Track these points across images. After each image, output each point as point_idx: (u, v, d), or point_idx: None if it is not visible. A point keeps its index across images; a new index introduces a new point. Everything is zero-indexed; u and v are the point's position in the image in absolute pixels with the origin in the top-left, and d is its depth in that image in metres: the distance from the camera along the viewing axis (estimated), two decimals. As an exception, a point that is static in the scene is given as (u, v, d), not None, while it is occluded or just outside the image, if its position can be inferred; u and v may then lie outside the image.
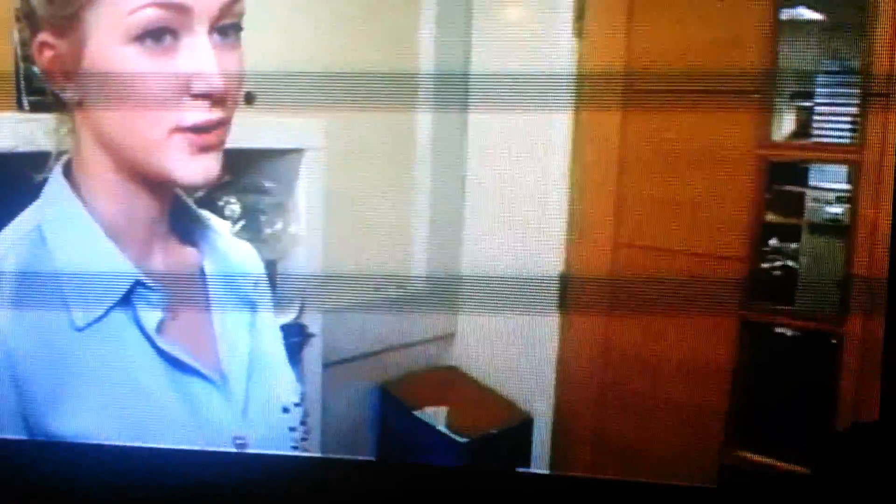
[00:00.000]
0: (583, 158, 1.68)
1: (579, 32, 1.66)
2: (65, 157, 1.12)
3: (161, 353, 1.09)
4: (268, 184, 1.61)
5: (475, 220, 1.83)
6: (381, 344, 1.78)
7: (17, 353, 1.07)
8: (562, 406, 1.71)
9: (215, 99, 1.04)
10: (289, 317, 1.59)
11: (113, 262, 1.08)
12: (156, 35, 1.01)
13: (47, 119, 1.36)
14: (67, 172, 1.11)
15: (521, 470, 1.73)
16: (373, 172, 1.74)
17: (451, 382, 1.88)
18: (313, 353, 1.69)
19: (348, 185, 1.68)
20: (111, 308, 1.07)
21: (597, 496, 1.41)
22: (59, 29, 1.05)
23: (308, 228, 1.64)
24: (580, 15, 1.66)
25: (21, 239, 1.09)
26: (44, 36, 1.06)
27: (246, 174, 1.60)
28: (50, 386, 1.08)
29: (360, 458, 1.62)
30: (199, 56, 1.03)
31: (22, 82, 1.45)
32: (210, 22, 1.03)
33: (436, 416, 1.80)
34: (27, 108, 1.45)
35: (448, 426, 1.79)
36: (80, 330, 1.07)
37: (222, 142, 1.08)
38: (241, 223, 1.53)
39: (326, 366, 1.69)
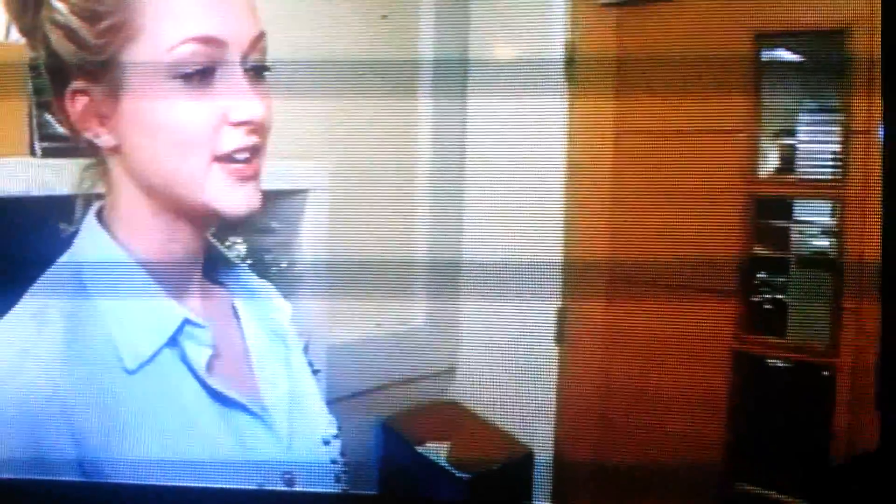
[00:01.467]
0: (575, 197, 1.72)
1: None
2: (97, 204, 1.12)
3: (210, 391, 1.09)
4: (273, 224, 1.65)
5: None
6: (383, 379, 1.80)
7: (71, 401, 1.06)
8: (562, 440, 1.73)
9: (253, 126, 1.04)
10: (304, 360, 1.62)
11: (160, 302, 1.09)
12: (194, 70, 1.02)
13: (61, 164, 1.42)
14: (100, 218, 1.12)
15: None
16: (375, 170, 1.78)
17: (452, 418, 1.90)
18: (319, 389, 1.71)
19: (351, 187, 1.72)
20: (161, 348, 1.07)
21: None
22: (92, 75, 1.05)
23: (313, 265, 1.68)
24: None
25: (62, 287, 1.10)
26: (77, 84, 1.06)
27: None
28: (104, 430, 1.07)
29: (361, 492, 1.64)
30: (235, 86, 1.04)
31: (35, 129, 1.49)
32: (242, 56, 1.05)
33: (438, 451, 1.82)
34: (39, 153, 1.49)
35: (450, 462, 1.80)
36: (131, 373, 1.07)
37: (259, 172, 1.08)
38: (248, 262, 1.54)
39: (330, 402, 1.71)
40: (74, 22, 1.03)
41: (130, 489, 1.13)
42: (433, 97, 1.82)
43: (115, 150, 1.07)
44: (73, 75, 1.05)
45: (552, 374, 1.77)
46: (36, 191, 1.41)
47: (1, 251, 1.40)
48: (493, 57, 1.70)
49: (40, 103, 1.48)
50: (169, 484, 1.15)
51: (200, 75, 1.02)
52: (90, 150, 1.11)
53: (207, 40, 1.03)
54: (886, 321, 1.41)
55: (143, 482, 1.13)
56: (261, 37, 1.08)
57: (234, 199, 1.05)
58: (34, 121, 1.49)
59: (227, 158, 1.04)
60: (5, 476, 1.15)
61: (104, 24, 1.02)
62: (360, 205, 1.69)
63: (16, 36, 1.51)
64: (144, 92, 1.04)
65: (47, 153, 1.48)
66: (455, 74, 1.73)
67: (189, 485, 1.16)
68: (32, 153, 1.49)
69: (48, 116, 1.48)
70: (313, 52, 1.50)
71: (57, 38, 1.05)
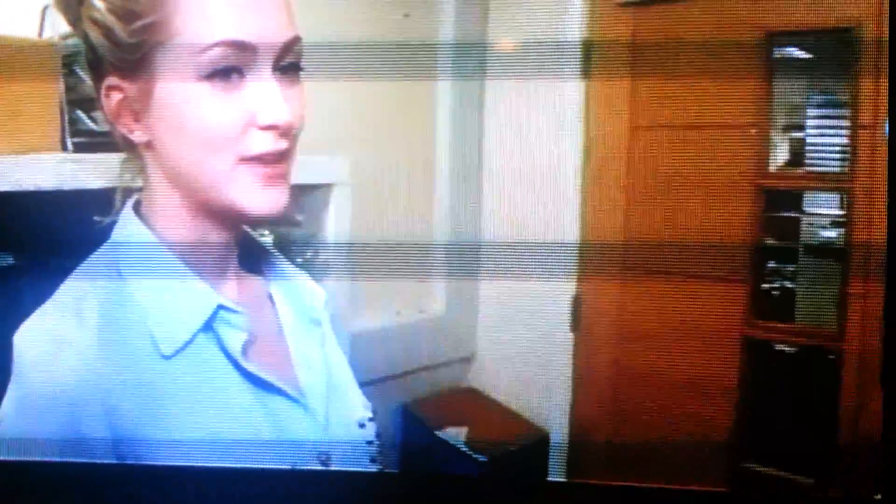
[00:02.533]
0: (590, 186, 1.76)
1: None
2: (134, 197, 1.16)
3: (246, 375, 1.11)
4: (299, 216, 1.70)
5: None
6: (403, 366, 1.85)
7: (109, 388, 1.09)
8: (577, 423, 1.78)
9: (281, 130, 1.07)
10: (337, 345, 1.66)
11: (194, 288, 1.11)
12: (224, 73, 1.05)
13: (92, 159, 1.46)
14: (137, 211, 1.15)
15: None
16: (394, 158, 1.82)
17: (470, 403, 1.95)
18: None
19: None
20: (196, 333, 1.10)
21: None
22: (127, 72, 1.08)
23: (336, 248, 1.71)
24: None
25: (99, 277, 1.13)
26: (111, 80, 1.09)
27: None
28: (141, 415, 1.10)
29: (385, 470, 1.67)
30: (264, 90, 1.07)
31: (67, 125, 1.53)
32: (273, 60, 1.07)
33: (457, 435, 1.87)
34: (71, 149, 1.52)
35: (468, 445, 1.86)
36: (167, 358, 1.10)
37: (287, 174, 1.11)
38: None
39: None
40: (111, 20, 1.07)
41: (164, 470, 1.18)
42: (452, 81, 1.85)
43: (148, 145, 1.11)
44: (109, 71, 1.10)
45: (567, 360, 1.82)
46: (67, 185, 1.44)
47: (35, 244, 1.45)
48: (510, 50, 1.73)
49: (72, 100, 1.53)
50: (202, 465, 1.20)
51: (229, 78, 1.06)
52: (126, 145, 1.16)
53: (238, 44, 1.06)
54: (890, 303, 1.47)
55: (179, 463, 1.18)
56: (295, 41, 1.12)
57: (258, 200, 1.09)
58: (66, 117, 1.53)
59: (253, 160, 1.08)
60: (44, 459, 1.20)
61: (139, 23, 1.06)
62: (382, 190, 1.73)
63: (49, 33, 1.57)
64: (174, 91, 1.07)
65: (79, 148, 1.52)
66: (473, 59, 1.76)
67: (223, 465, 1.21)
68: (64, 148, 1.52)
69: (80, 112, 1.53)
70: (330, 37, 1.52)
71: (95, 35, 1.09)
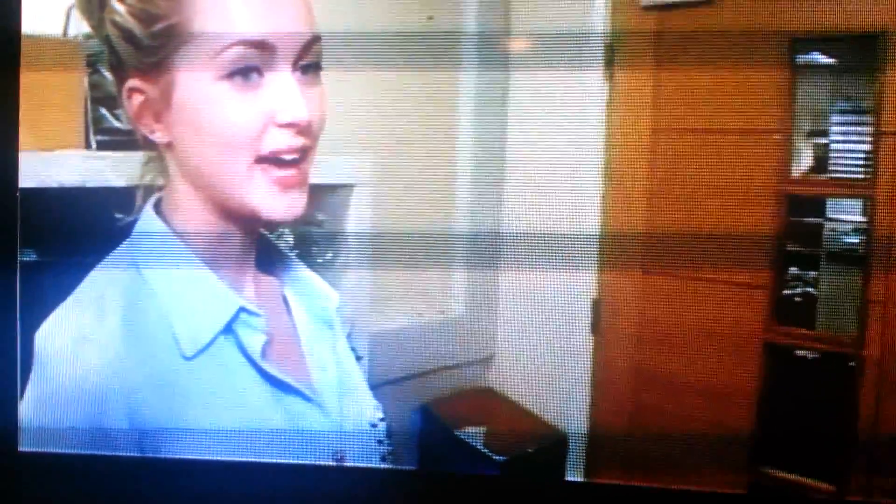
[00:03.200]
0: (611, 189, 1.76)
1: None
2: (155, 196, 1.18)
3: (264, 375, 1.13)
4: (320, 216, 1.71)
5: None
6: (423, 366, 1.85)
7: (131, 387, 1.11)
8: (595, 425, 1.78)
9: (299, 128, 1.10)
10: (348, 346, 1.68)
11: (215, 290, 1.13)
12: (243, 72, 1.08)
13: (115, 157, 1.47)
14: (158, 210, 1.17)
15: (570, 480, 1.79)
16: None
17: (489, 403, 1.96)
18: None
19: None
20: (218, 335, 1.12)
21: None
22: (147, 74, 1.11)
23: (357, 256, 1.73)
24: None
25: (120, 275, 1.14)
26: (133, 82, 1.12)
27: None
28: (163, 415, 1.12)
29: (403, 467, 1.67)
30: (283, 89, 1.09)
31: (90, 123, 1.55)
32: (293, 59, 1.10)
33: (475, 435, 1.88)
34: (94, 146, 1.55)
35: (486, 445, 1.86)
36: (189, 359, 1.12)
37: (305, 178, 1.13)
38: (295, 253, 1.60)
39: (373, 387, 1.76)
40: (131, 23, 1.10)
41: (181, 463, 1.20)
42: (476, 75, 1.85)
43: (169, 146, 1.14)
44: (130, 73, 1.13)
45: (587, 363, 1.82)
46: (91, 182, 1.46)
47: (58, 240, 1.47)
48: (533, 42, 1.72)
49: (96, 98, 1.55)
50: (219, 458, 1.21)
51: (248, 77, 1.09)
52: (148, 145, 1.19)
53: (256, 44, 1.08)
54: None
55: (197, 457, 1.20)
56: (315, 40, 1.13)
57: (274, 205, 1.12)
58: (90, 115, 1.55)
59: (271, 160, 1.10)
60: (68, 451, 1.22)
61: (159, 25, 1.09)
62: (403, 184, 1.72)
63: (74, 31, 1.58)
64: (194, 91, 1.09)
65: (102, 146, 1.54)
66: (497, 51, 1.75)
67: (240, 459, 1.23)
68: (88, 146, 1.55)
69: (103, 111, 1.55)
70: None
71: (116, 38, 1.12)
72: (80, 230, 1.41)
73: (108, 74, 1.53)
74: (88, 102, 1.55)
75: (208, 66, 1.08)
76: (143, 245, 1.16)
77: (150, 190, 1.20)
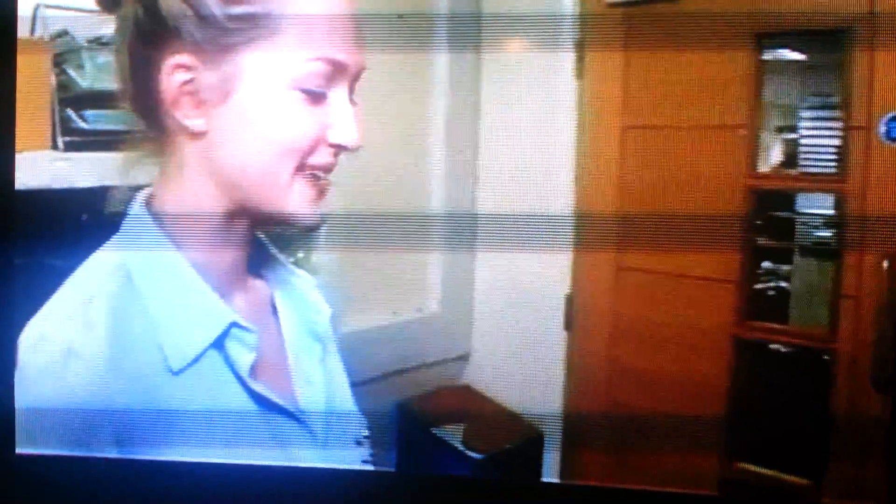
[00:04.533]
0: (583, 181, 1.76)
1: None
2: (144, 192, 1.12)
3: (252, 395, 1.10)
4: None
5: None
6: (400, 364, 1.85)
7: (115, 398, 1.07)
8: (570, 422, 1.79)
9: (348, 150, 1.09)
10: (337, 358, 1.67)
11: (208, 303, 1.08)
12: (316, 86, 1.06)
13: (82, 158, 1.45)
14: (149, 207, 1.11)
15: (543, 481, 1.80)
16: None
17: (466, 401, 1.96)
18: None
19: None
20: (206, 349, 1.07)
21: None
22: (209, 57, 1.04)
23: (329, 254, 1.72)
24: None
25: (107, 279, 1.08)
26: (182, 58, 1.04)
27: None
28: (149, 431, 1.10)
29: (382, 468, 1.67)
30: (344, 110, 1.08)
31: (58, 124, 1.52)
32: (351, 80, 1.09)
33: (453, 433, 1.88)
34: (62, 147, 1.51)
35: (464, 443, 1.87)
36: (176, 374, 1.07)
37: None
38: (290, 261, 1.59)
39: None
40: None
41: (165, 465, 1.18)
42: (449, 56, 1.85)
43: (199, 136, 1.07)
44: (179, 48, 1.04)
45: (561, 358, 1.83)
46: (58, 184, 1.44)
47: (28, 242, 1.45)
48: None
49: (63, 99, 1.53)
50: (212, 461, 1.20)
51: (317, 92, 1.06)
52: (154, 133, 1.11)
53: (336, 63, 1.06)
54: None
55: (155, 458, 1.17)
56: (364, 69, 1.12)
57: (307, 213, 1.10)
58: (57, 116, 1.53)
59: (310, 173, 1.08)
60: (65, 453, 1.19)
61: (239, 8, 1.04)
62: (378, 166, 1.71)
63: (41, 32, 1.57)
64: (263, 94, 1.05)
65: (69, 147, 1.52)
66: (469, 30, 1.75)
67: (219, 461, 1.21)
68: (55, 147, 1.52)
69: (70, 111, 1.53)
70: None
71: (180, 9, 1.04)
72: (53, 232, 1.40)
73: (74, 75, 1.53)
74: (55, 103, 1.53)
75: (285, 72, 1.05)
76: (133, 246, 1.11)
77: (135, 187, 1.14)
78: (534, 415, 1.80)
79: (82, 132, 1.52)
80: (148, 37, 1.06)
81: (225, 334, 1.08)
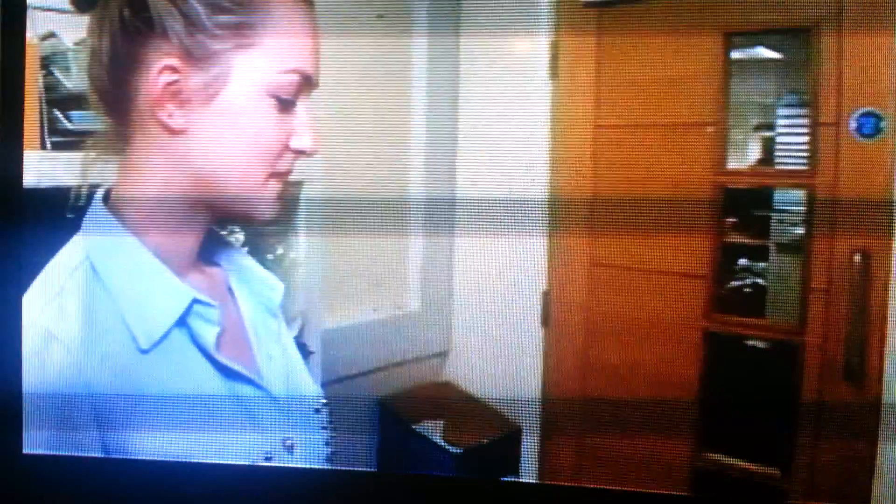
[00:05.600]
0: (557, 179, 1.78)
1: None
2: (102, 188, 1.19)
3: (219, 367, 1.16)
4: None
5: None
6: (379, 362, 1.87)
7: (94, 381, 1.13)
8: (547, 416, 1.81)
9: (305, 155, 1.18)
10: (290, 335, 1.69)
11: (168, 283, 1.14)
12: (287, 95, 1.13)
13: (70, 157, 1.47)
14: (107, 202, 1.18)
15: (511, 479, 1.82)
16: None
17: (446, 397, 1.98)
18: (313, 371, 1.77)
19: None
20: (172, 328, 1.13)
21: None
22: (195, 60, 1.10)
23: (307, 252, 1.74)
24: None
25: (72, 271, 1.15)
26: (170, 61, 1.10)
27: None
28: (125, 409, 1.15)
29: (363, 469, 1.69)
30: (305, 119, 1.16)
31: (45, 123, 1.55)
32: (309, 92, 1.17)
33: (433, 429, 1.90)
34: (49, 147, 1.54)
35: (444, 438, 1.89)
36: (145, 352, 1.13)
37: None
38: (245, 249, 1.58)
39: (325, 384, 1.78)
40: (198, 5, 1.10)
41: (148, 465, 1.21)
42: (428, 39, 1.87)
43: (176, 133, 1.13)
44: (167, 51, 1.11)
45: (538, 354, 1.85)
46: (45, 183, 1.47)
47: (13, 239, 1.47)
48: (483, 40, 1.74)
49: (50, 100, 1.56)
50: (183, 460, 1.23)
51: (287, 101, 1.14)
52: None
53: (306, 76, 1.16)
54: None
55: (160, 458, 1.21)
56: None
57: (271, 212, 1.18)
58: (45, 116, 1.56)
59: (277, 177, 1.16)
60: (73, 453, 1.22)
61: (225, 17, 1.10)
62: (356, 150, 1.72)
63: (29, 34, 1.59)
64: (242, 98, 1.12)
65: (56, 147, 1.55)
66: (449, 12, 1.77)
67: (203, 461, 1.24)
68: (43, 147, 1.55)
69: (57, 112, 1.56)
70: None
71: (170, 14, 1.10)
72: (36, 228, 1.41)
73: (61, 76, 1.56)
74: (43, 104, 1.55)
75: (265, 79, 1.12)
76: (94, 238, 1.17)
77: (93, 185, 1.21)
78: (512, 409, 1.82)
79: (68, 132, 1.54)
80: (133, 36, 1.12)
81: (188, 311, 1.14)
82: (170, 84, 1.11)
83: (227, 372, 1.17)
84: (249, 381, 1.20)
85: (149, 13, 1.10)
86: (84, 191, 1.21)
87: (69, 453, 1.20)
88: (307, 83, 1.16)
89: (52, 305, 1.14)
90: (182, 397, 1.18)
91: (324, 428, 1.32)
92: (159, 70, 1.11)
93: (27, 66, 1.53)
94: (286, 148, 1.16)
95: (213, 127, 1.12)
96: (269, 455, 1.24)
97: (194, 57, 1.10)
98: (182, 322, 1.14)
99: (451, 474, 1.86)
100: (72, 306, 1.13)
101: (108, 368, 1.14)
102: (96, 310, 1.14)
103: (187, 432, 1.23)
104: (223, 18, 1.10)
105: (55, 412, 1.18)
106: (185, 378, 1.16)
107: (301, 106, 1.16)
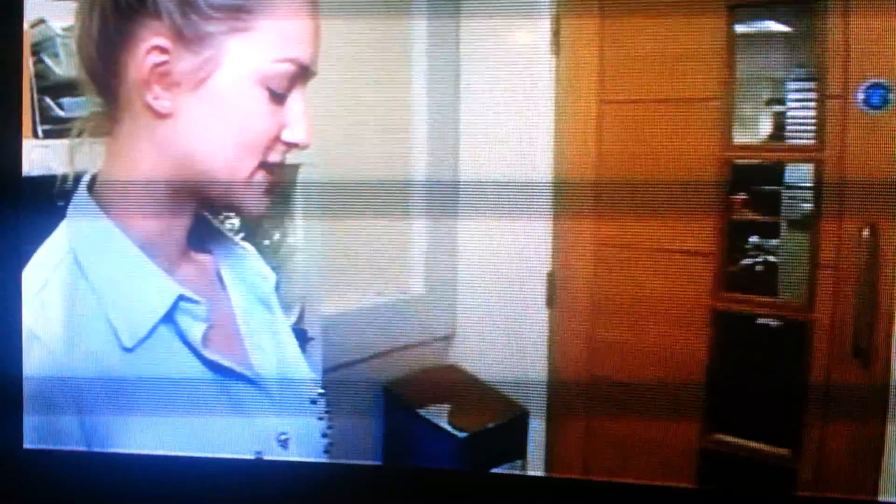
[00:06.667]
0: (562, 156, 1.76)
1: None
2: (87, 176, 1.14)
3: (207, 363, 1.12)
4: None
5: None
6: (384, 346, 1.86)
7: (76, 380, 1.09)
8: (554, 399, 1.79)
9: (299, 148, 1.12)
10: (289, 321, 1.68)
11: (153, 278, 1.10)
12: (281, 86, 1.08)
13: (61, 145, 1.46)
14: (91, 191, 1.13)
15: (516, 473, 1.81)
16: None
17: (451, 381, 1.96)
18: (314, 358, 1.77)
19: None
20: (157, 325, 1.09)
21: (589, 497, 1.50)
22: (186, 42, 1.05)
23: (306, 237, 1.73)
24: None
25: (56, 266, 1.10)
26: (159, 41, 1.05)
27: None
28: (109, 408, 1.11)
29: (368, 462, 1.68)
30: (300, 111, 1.11)
31: (37, 112, 1.53)
32: (306, 83, 1.11)
33: (439, 413, 1.89)
34: (41, 136, 1.52)
35: (450, 422, 1.88)
36: (129, 350, 1.09)
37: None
38: (241, 236, 1.57)
39: (328, 370, 1.78)
40: None
41: (149, 459, 1.19)
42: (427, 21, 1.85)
43: (163, 117, 1.08)
44: (158, 30, 1.05)
45: (544, 336, 1.83)
46: (37, 171, 1.45)
47: (13, 229, 1.46)
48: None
49: (42, 88, 1.54)
50: (175, 454, 1.21)
51: (281, 91, 1.08)
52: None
53: (303, 65, 1.10)
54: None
55: (161, 453, 1.19)
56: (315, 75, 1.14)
57: (260, 204, 1.12)
58: (36, 104, 1.54)
59: (266, 169, 1.11)
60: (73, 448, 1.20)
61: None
62: (357, 133, 1.71)
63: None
64: (234, 84, 1.07)
65: (47, 135, 1.53)
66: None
67: (195, 455, 1.22)
68: (35, 135, 1.53)
69: (48, 100, 1.54)
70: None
71: None
72: (27, 217, 1.40)
73: (51, 63, 1.54)
74: (34, 92, 1.54)
75: (258, 67, 1.07)
76: (78, 230, 1.13)
77: (79, 173, 1.15)
78: (518, 392, 1.81)
79: (60, 120, 1.53)
80: (125, 12, 1.07)
81: (174, 308, 1.09)
82: (158, 65, 1.06)
83: (216, 368, 1.13)
84: (240, 376, 1.16)
85: None
86: (71, 177, 1.16)
87: (70, 448, 1.18)
88: (304, 73, 1.10)
89: (34, 302, 1.10)
90: (167, 395, 1.15)
91: (320, 418, 1.29)
92: (147, 49, 1.06)
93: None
94: (277, 140, 1.11)
95: (200, 112, 1.07)
96: (259, 453, 1.21)
97: (185, 38, 1.05)
98: (168, 319, 1.10)
99: (457, 458, 1.85)
100: (54, 302, 1.10)
101: (91, 367, 1.10)
102: (79, 306, 1.10)
103: (173, 432, 1.20)
104: (220, 0, 1.05)
105: (38, 412, 1.15)
106: (171, 375, 1.11)
107: (296, 96, 1.10)
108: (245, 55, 1.06)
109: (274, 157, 1.11)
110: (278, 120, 1.10)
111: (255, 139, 1.09)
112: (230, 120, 1.08)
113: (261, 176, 1.11)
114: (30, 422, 1.26)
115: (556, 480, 1.69)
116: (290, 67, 1.08)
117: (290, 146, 1.11)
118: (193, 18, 1.05)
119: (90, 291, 1.09)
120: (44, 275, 1.11)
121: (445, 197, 1.79)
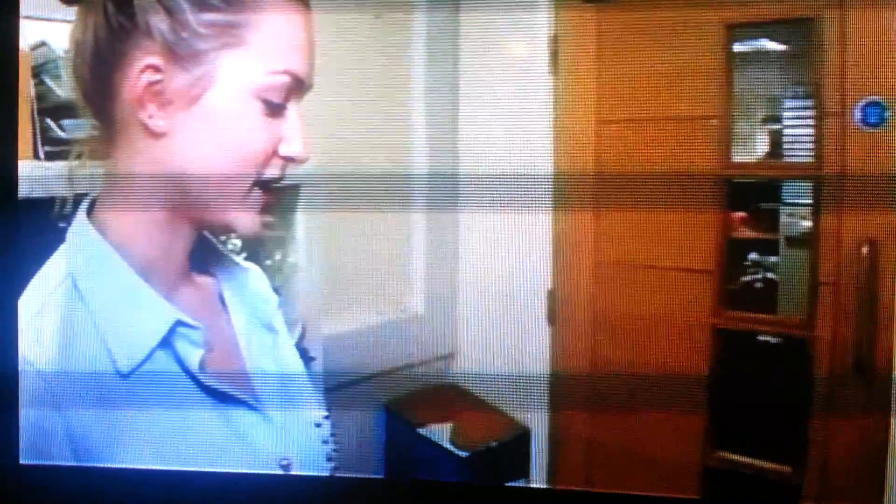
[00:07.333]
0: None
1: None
2: (87, 200, 1.13)
3: (204, 389, 1.10)
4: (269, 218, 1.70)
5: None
6: (384, 365, 1.85)
7: (68, 408, 1.09)
8: (556, 417, 1.79)
9: (295, 163, 1.11)
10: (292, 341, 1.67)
11: (151, 303, 1.08)
12: (277, 98, 1.08)
13: (62, 167, 1.46)
14: (90, 214, 1.12)
15: (518, 485, 1.80)
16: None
17: (452, 399, 1.95)
18: (316, 378, 1.74)
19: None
20: (154, 350, 1.08)
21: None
22: (179, 60, 1.06)
23: (307, 257, 1.72)
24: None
25: (54, 290, 1.09)
26: (154, 60, 1.05)
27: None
28: (103, 435, 1.10)
29: (370, 476, 1.68)
30: (295, 124, 1.10)
31: (38, 133, 1.53)
32: (301, 96, 1.11)
33: (440, 432, 1.88)
34: (42, 157, 1.52)
35: (451, 441, 1.87)
36: (125, 376, 1.08)
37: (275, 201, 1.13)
38: (243, 256, 1.56)
39: (329, 390, 1.76)
40: (183, 2, 1.06)
41: (147, 474, 1.18)
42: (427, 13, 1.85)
43: (159, 136, 1.08)
44: (149, 49, 1.06)
45: (545, 353, 1.83)
46: (38, 192, 1.45)
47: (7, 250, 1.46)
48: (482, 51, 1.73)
49: (42, 109, 1.54)
50: (172, 469, 1.19)
51: (276, 105, 1.08)
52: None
53: (298, 78, 1.10)
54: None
55: (160, 468, 1.18)
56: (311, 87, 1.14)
57: (252, 224, 1.12)
58: (37, 125, 1.54)
59: (262, 186, 1.11)
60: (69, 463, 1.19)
61: (211, 15, 1.06)
62: (357, 126, 1.70)
63: (21, 43, 1.58)
64: (228, 100, 1.07)
65: (49, 157, 1.53)
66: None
67: (194, 469, 1.21)
68: (36, 156, 1.53)
69: (49, 121, 1.54)
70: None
71: (154, 10, 1.06)
72: (28, 239, 1.40)
73: (53, 85, 1.54)
74: (35, 113, 1.54)
75: (252, 81, 1.07)
76: (77, 255, 1.12)
77: (79, 196, 1.16)
78: (520, 411, 1.81)
79: (61, 141, 1.53)
80: (116, 33, 1.07)
81: (171, 333, 1.08)
82: (152, 84, 1.06)
83: (214, 393, 1.12)
84: (239, 402, 1.14)
85: (132, 9, 1.06)
86: (70, 200, 1.16)
87: (67, 463, 1.17)
88: (299, 85, 1.10)
89: (29, 328, 1.10)
90: (162, 422, 1.14)
91: (325, 442, 1.27)
92: (141, 69, 1.06)
93: (20, 76, 1.52)
94: (274, 154, 1.10)
95: (195, 130, 1.08)
96: None
97: (178, 56, 1.06)
98: (165, 344, 1.09)
99: (458, 478, 1.84)
100: (50, 328, 1.09)
101: (86, 394, 1.10)
102: (76, 331, 1.10)
103: (169, 463, 1.19)
104: (210, 17, 1.06)
105: (33, 432, 1.14)
106: (167, 401, 1.11)
107: (292, 110, 1.10)
108: (239, 70, 1.06)
109: (271, 173, 1.10)
110: (274, 134, 1.09)
111: (252, 154, 1.08)
112: (226, 136, 1.08)
113: (257, 193, 1.10)
114: (26, 438, 1.25)
115: (560, 493, 1.68)
116: (284, 79, 1.08)
117: (288, 160, 1.11)
118: (185, 37, 1.05)
119: (88, 317, 1.09)
120: (41, 298, 1.11)
121: (446, 214, 1.80)
